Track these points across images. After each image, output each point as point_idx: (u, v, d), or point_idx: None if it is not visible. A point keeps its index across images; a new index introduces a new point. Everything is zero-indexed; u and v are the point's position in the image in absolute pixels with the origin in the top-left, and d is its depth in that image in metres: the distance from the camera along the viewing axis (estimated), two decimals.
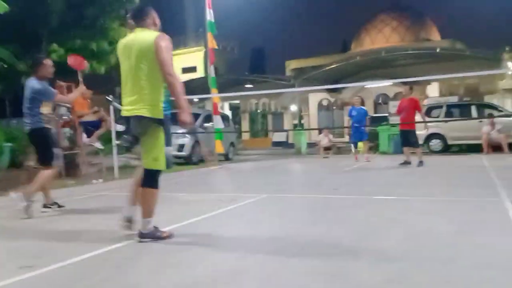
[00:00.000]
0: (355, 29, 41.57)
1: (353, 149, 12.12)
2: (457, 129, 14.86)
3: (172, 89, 3.46)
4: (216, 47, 14.53)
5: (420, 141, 15.64)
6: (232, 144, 15.82)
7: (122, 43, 3.66)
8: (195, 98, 29.24)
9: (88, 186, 8.01)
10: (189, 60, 42.77)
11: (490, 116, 14.19)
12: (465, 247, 3.14)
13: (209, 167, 11.83)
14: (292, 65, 37.33)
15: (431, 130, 15.33)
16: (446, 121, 14.96)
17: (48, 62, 5.46)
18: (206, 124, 14.43)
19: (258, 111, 37.34)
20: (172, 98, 3.61)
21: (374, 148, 15.81)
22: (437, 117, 15.37)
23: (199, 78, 28.85)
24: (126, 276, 2.74)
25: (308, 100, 33.59)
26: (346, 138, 26.26)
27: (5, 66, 8.92)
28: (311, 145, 19.38)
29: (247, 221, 4.44)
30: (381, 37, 37.03)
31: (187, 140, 13.38)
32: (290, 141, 26.65)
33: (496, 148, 13.88)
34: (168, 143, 3.62)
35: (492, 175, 7.54)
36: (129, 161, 12.95)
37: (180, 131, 13.45)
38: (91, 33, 11.30)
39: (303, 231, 3.85)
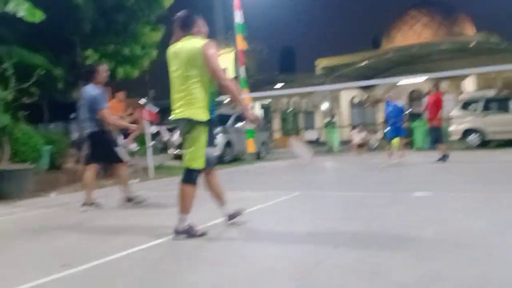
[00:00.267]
0: (385, 26, 40.94)
1: (394, 145, 11.88)
2: (495, 124, 14.42)
3: (229, 93, 3.63)
4: (246, 48, 14.60)
5: (457, 137, 15.32)
6: (263, 143, 15.84)
7: (171, 50, 3.80)
8: (226, 99, 29.49)
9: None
10: (220, 62, 43.01)
11: None
12: (503, 244, 3.04)
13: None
14: (322, 63, 37.05)
15: (468, 125, 14.94)
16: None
17: (102, 68, 5.72)
18: (238, 124, 14.51)
19: (289, 110, 37.25)
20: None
21: (409, 144, 15.51)
22: (475, 111, 14.96)
23: (229, 79, 28.99)
24: (162, 274, 2.78)
25: (340, 98, 33.27)
26: (380, 135, 25.90)
27: (42, 72, 9.19)
28: (343, 143, 19.19)
29: (281, 219, 4.43)
30: (412, 33, 36.33)
31: (219, 140, 13.48)
32: (322, 139, 26.47)
33: None
34: (210, 143, 3.72)
35: None
36: (164, 161, 13.17)
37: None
38: (123, 38, 11.54)
39: (337, 229, 3.81)
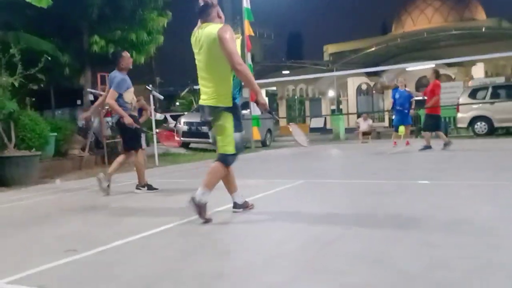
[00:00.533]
0: (395, 10, 40.39)
1: (394, 135, 11.80)
2: (504, 111, 14.27)
3: (242, 77, 3.63)
4: (253, 34, 14.49)
5: (464, 124, 15.20)
6: (269, 130, 15.80)
7: (193, 35, 3.83)
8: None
9: (130, 173, 8.20)
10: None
11: None
12: (509, 233, 3.01)
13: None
14: (330, 49, 36.76)
15: (475, 113, 14.81)
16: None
17: (127, 54, 5.84)
18: (243, 111, 14.47)
19: (296, 97, 37.09)
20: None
21: (416, 132, 15.42)
22: (483, 99, 14.80)
23: (243, 64, 28.91)
24: (166, 261, 2.79)
25: (347, 85, 33.06)
26: (386, 123, 25.75)
27: (49, 58, 9.19)
28: (349, 130, 19.11)
29: (285, 206, 4.42)
30: (423, 18, 35.86)
31: None
32: (328, 126, 26.39)
33: None
34: (238, 129, 3.77)
35: None
36: (169, 149, 13.21)
37: None
38: (130, 24, 11.49)
39: (341, 216, 3.80)
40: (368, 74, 30.31)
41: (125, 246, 3.16)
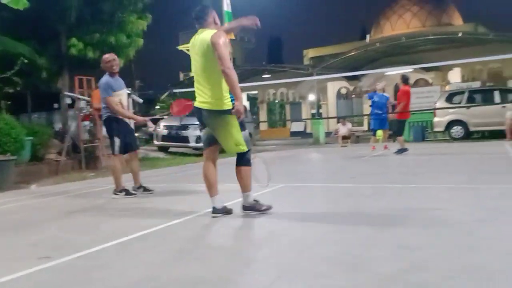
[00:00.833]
0: (374, 15, 40.92)
1: (379, 136, 11.94)
2: (479, 115, 14.55)
3: (228, 81, 3.75)
4: (234, 37, 14.49)
5: (441, 128, 15.46)
6: (249, 134, 15.81)
7: (190, 44, 3.99)
8: None
9: (108, 178, 8.09)
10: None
11: None
12: (486, 234, 3.06)
13: None
14: (310, 53, 37.00)
15: (452, 117, 15.07)
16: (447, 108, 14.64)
17: (105, 57, 5.78)
18: None
19: (276, 101, 37.20)
20: None
21: (393, 136, 15.60)
22: (459, 103, 15.08)
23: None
24: (143, 268, 2.75)
25: (327, 89, 33.30)
26: (365, 127, 26.03)
27: (26, 61, 9.03)
28: (329, 134, 19.24)
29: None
30: (402, 22, 36.37)
31: (203, 132, 13.41)
32: (308, 130, 26.52)
33: None
34: (243, 128, 3.93)
35: None
36: (148, 153, 13.09)
37: (198, 122, 13.53)
38: (109, 27, 11.36)
39: (321, 220, 3.81)
40: (348, 79, 30.59)
41: (103, 252, 3.11)
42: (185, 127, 13.34)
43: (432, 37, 25.94)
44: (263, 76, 30.04)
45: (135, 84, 32.86)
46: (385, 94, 11.73)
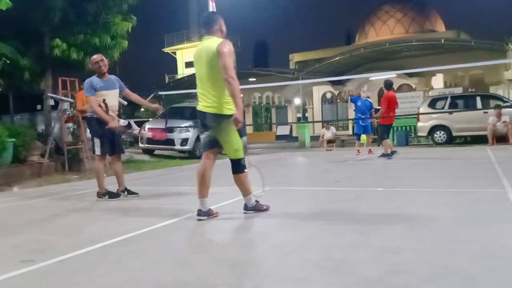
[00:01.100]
0: (359, 21, 41.32)
1: (362, 141, 12.07)
2: (461, 121, 14.78)
3: (230, 90, 3.86)
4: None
5: (424, 133, 15.66)
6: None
7: (196, 50, 4.13)
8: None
9: (91, 180, 8.02)
10: (192, 55, 42.62)
11: (498, 107, 14.07)
12: (468, 238, 3.12)
13: None
14: (295, 58, 37.19)
15: (435, 122, 15.27)
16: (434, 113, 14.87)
17: (93, 56, 5.80)
18: None
19: (262, 104, 37.26)
20: None
21: (378, 141, 15.75)
22: (442, 108, 15.29)
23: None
24: (125, 271, 2.74)
25: (312, 93, 33.49)
26: (350, 131, 26.23)
27: (8, 62, 8.90)
28: (315, 138, 19.33)
29: (249, 214, 4.42)
30: (386, 28, 36.81)
31: (190, 135, 13.39)
32: (294, 134, 26.60)
33: (500, 139, 13.81)
34: (242, 134, 4.10)
35: (496, 166, 7.50)
36: (133, 155, 12.99)
37: (183, 125, 13.50)
38: (93, 28, 11.26)
39: (305, 223, 3.84)
40: (333, 83, 30.81)
41: (86, 255, 3.09)
42: (170, 129, 13.28)
43: (415, 43, 26.32)
44: (249, 79, 30.09)
45: None
46: (368, 99, 11.86)
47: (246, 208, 4.23)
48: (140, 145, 14.30)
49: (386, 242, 3.07)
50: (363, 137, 12.11)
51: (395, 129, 15.60)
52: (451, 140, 15.26)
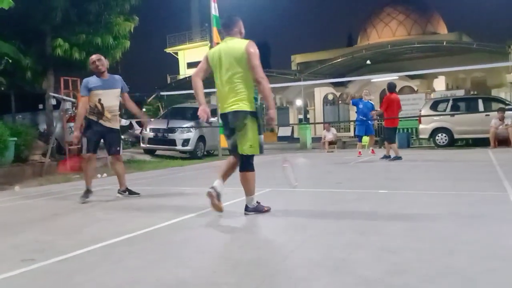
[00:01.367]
0: (361, 23, 41.31)
1: (364, 142, 12.08)
2: (463, 123, 14.76)
3: (262, 90, 4.03)
4: (221, 41, 14.50)
5: (425, 135, 15.65)
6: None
7: (213, 51, 4.20)
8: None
9: (93, 180, 8.02)
10: (195, 55, 42.68)
11: (501, 110, 14.05)
12: (468, 239, 3.12)
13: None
14: (297, 59, 37.17)
15: (436, 124, 15.26)
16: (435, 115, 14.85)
17: (92, 56, 5.74)
18: (211, 119, 14.44)
19: (264, 105, 37.27)
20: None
21: (380, 142, 15.75)
22: (443, 111, 15.28)
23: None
24: (124, 270, 2.74)
25: (314, 95, 33.48)
26: (352, 133, 26.23)
27: (10, 61, 8.92)
28: (316, 139, 19.34)
29: (248, 215, 4.42)
30: (388, 30, 36.80)
31: (191, 135, 13.40)
32: (295, 135, 26.61)
33: (502, 142, 13.79)
34: (260, 132, 4.14)
35: (498, 169, 7.49)
36: (134, 155, 13.01)
37: (185, 125, 13.51)
38: (95, 28, 11.29)
39: (305, 224, 3.84)
40: (334, 85, 30.81)
41: (87, 255, 3.09)
42: (172, 130, 13.29)
43: (417, 45, 26.30)
44: None
45: None
46: (370, 101, 11.87)
47: (247, 209, 4.24)
48: (142, 145, 14.32)
49: (386, 242, 3.08)
50: (365, 138, 12.11)
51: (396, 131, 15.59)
52: (453, 142, 15.25)
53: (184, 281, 2.47)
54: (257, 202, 4.28)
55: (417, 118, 15.60)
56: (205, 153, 14.16)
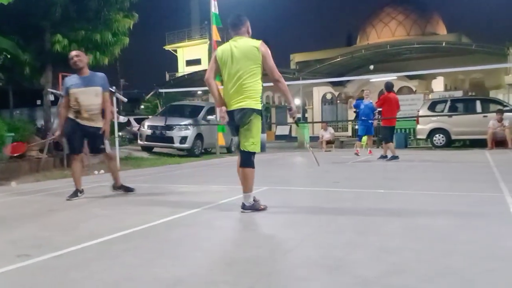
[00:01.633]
0: (360, 22, 41.32)
1: (363, 141, 12.09)
2: (461, 124, 14.78)
3: (281, 88, 4.19)
4: (220, 39, 14.48)
5: (423, 136, 15.67)
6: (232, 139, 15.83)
7: (223, 49, 4.22)
8: (199, 90, 29.21)
9: (90, 177, 8.02)
10: (194, 53, 42.65)
11: (499, 111, 14.07)
12: (465, 239, 3.11)
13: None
14: (296, 58, 37.17)
15: (434, 125, 15.27)
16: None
17: (70, 54, 5.51)
18: (209, 117, 14.43)
19: (262, 104, 37.25)
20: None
21: (377, 142, 15.76)
22: (441, 111, 15.29)
23: (203, 71, 28.66)
24: (121, 267, 2.73)
25: (312, 94, 33.49)
26: (350, 133, 26.26)
27: (8, 56, 8.88)
28: (314, 138, 19.33)
29: (245, 213, 4.41)
30: (387, 30, 36.82)
31: (189, 133, 13.38)
32: (293, 134, 26.61)
33: (499, 143, 13.82)
34: (263, 131, 4.26)
35: (495, 170, 7.50)
36: (132, 152, 12.99)
37: (183, 123, 13.49)
38: (94, 24, 11.26)
39: (303, 223, 3.83)
40: (333, 84, 30.82)
41: (82, 251, 3.07)
42: (170, 127, 13.27)
43: (416, 45, 26.33)
44: None
45: (120, 82, 32.62)
46: (371, 101, 11.89)
47: (243, 207, 4.23)
48: (139, 142, 14.29)
49: (385, 242, 3.07)
50: (364, 138, 12.14)
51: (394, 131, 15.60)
52: (450, 143, 15.27)
53: (180, 279, 2.46)
54: (254, 199, 4.27)
55: (415, 118, 15.62)
56: (202, 151, 14.14)
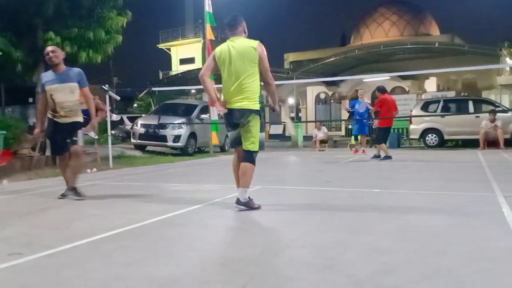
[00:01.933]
0: (354, 22, 41.43)
1: (352, 142, 12.16)
2: (453, 124, 14.87)
3: (270, 89, 4.34)
4: (214, 38, 14.46)
5: (416, 136, 15.74)
6: (228, 135, 15.81)
7: (222, 49, 4.25)
8: (193, 89, 29.15)
9: (83, 175, 7.96)
10: (187, 51, 42.51)
11: (492, 112, 14.16)
12: (457, 239, 3.13)
13: None
14: (290, 57, 37.19)
15: (427, 125, 15.34)
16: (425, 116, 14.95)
17: (45, 49, 5.32)
18: (203, 116, 14.40)
19: (266, 105, 37.28)
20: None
21: (371, 142, 15.81)
22: (434, 112, 15.37)
23: (197, 69, 28.58)
24: (115, 266, 2.72)
25: (306, 93, 33.53)
26: (343, 132, 26.33)
27: (0, 54, 8.81)
28: (307, 138, 19.37)
29: (240, 212, 4.41)
30: (381, 31, 36.93)
31: (182, 131, 13.35)
32: (287, 133, 26.60)
33: (491, 143, 13.91)
34: (262, 130, 4.32)
35: (487, 170, 7.55)
36: (124, 151, 12.94)
37: (176, 122, 13.46)
38: (87, 22, 11.21)
39: (296, 222, 3.84)
40: (327, 84, 30.87)
41: (74, 250, 3.06)
42: (163, 126, 13.23)
43: (409, 46, 26.42)
44: None
45: (113, 80, 32.46)
46: (368, 102, 11.97)
47: (238, 202, 4.25)
48: (132, 140, 14.24)
49: (376, 242, 3.08)
50: (359, 138, 12.19)
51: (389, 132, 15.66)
52: (443, 143, 15.35)
53: (173, 278, 2.45)
54: (249, 197, 4.29)
55: (408, 118, 15.68)
56: (196, 149, 14.12)
